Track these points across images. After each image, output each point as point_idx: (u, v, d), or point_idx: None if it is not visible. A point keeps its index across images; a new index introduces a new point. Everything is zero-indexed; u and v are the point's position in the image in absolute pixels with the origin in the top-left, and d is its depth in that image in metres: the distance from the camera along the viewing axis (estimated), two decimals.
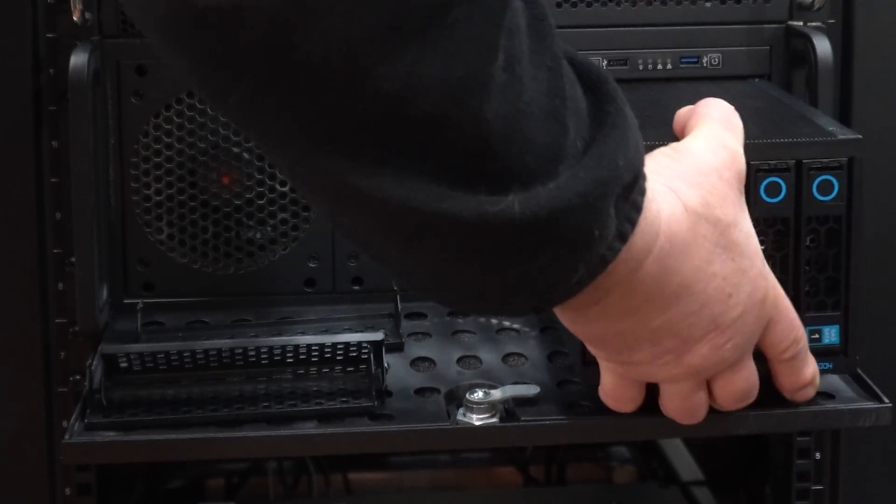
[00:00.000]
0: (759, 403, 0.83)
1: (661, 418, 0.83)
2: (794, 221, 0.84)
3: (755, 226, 0.80)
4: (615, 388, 0.82)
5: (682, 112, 0.83)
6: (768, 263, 0.80)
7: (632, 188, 0.70)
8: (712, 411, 0.82)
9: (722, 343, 0.77)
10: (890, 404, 0.86)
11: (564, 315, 0.76)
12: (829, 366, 0.87)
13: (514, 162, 0.65)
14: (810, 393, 0.84)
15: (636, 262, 0.72)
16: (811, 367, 0.83)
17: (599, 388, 0.83)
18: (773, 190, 0.84)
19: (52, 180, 1.00)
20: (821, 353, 0.85)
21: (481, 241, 0.65)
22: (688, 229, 0.74)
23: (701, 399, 0.80)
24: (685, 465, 1.27)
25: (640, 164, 0.70)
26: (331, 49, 0.61)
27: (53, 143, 1.00)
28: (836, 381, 0.89)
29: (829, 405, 0.86)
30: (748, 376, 0.80)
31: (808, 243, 0.85)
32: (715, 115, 0.81)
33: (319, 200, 0.68)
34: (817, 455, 1.06)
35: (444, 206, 0.64)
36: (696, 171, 0.76)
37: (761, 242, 0.80)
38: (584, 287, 0.70)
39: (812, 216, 0.85)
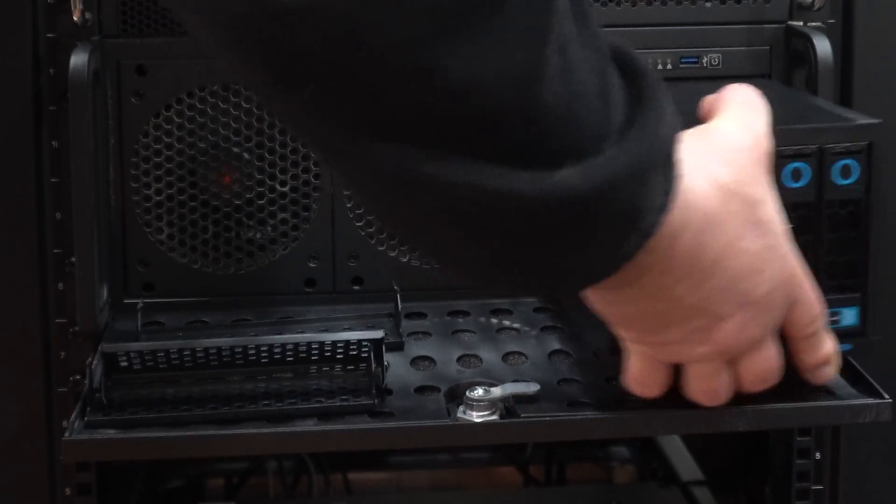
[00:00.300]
0: (757, 399, 0.83)
1: (661, 414, 0.84)
2: (816, 206, 0.86)
3: None
4: (643, 372, 0.83)
5: (708, 99, 0.85)
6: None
7: (669, 161, 0.71)
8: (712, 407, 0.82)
9: (749, 320, 0.78)
10: (890, 400, 0.86)
11: (602, 296, 0.78)
12: (848, 347, 0.87)
13: (571, 140, 0.67)
14: (830, 372, 0.85)
15: (672, 238, 0.73)
16: (830, 344, 0.84)
17: (625, 373, 0.83)
18: (796, 175, 0.86)
19: (52, 180, 1.00)
20: (840, 334, 0.86)
21: (543, 216, 0.67)
22: (719, 205, 0.75)
23: (725, 380, 0.81)
24: (685, 464, 1.27)
25: (678, 134, 0.72)
26: (399, 45, 0.63)
27: (53, 143, 1.00)
28: (836, 378, 0.89)
29: (830, 401, 0.87)
30: (771, 357, 0.81)
31: (829, 227, 0.86)
32: (739, 99, 0.83)
33: (380, 192, 0.69)
34: (817, 455, 1.06)
35: (508, 185, 0.66)
36: (727, 149, 0.78)
37: None
38: (629, 261, 0.72)
39: (833, 200, 0.86)
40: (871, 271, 0.87)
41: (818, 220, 0.86)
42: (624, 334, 0.82)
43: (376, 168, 0.67)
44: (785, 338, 0.83)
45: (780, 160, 0.84)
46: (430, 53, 0.63)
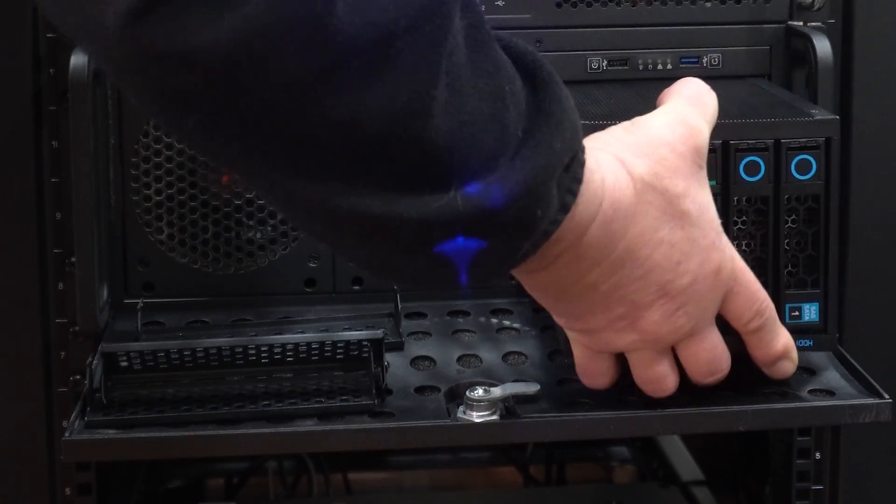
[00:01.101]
0: (757, 399, 0.83)
1: (661, 414, 0.84)
2: (774, 200, 0.88)
3: (735, 204, 0.85)
4: (584, 361, 0.86)
5: (664, 91, 0.86)
6: (749, 242, 0.85)
7: (571, 165, 0.73)
8: (710, 405, 0.83)
9: (673, 310, 0.80)
10: (890, 400, 0.86)
11: (521, 278, 0.80)
12: (809, 343, 0.89)
13: (458, 166, 0.69)
14: (788, 368, 0.86)
15: (581, 229, 0.75)
16: (782, 339, 0.85)
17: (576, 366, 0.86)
18: (752, 169, 0.87)
19: (52, 180, 1.00)
20: (802, 330, 0.88)
21: (427, 236, 0.70)
22: (632, 195, 0.77)
23: (664, 369, 0.83)
24: (685, 464, 1.27)
25: (578, 143, 0.74)
26: (278, 88, 0.65)
27: (53, 143, 1.00)
28: (835, 377, 0.89)
29: (830, 401, 0.87)
30: (712, 347, 0.83)
31: (788, 223, 0.88)
32: (685, 93, 0.84)
33: (276, 207, 0.80)
34: (817, 455, 1.06)
35: (390, 209, 0.68)
36: (647, 143, 0.79)
37: (742, 222, 0.85)
38: (529, 257, 0.74)
39: (791, 195, 0.88)
40: (831, 268, 0.89)
41: (776, 214, 0.88)
42: (557, 321, 0.84)
43: (265, 188, 0.71)
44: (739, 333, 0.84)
45: (737, 153, 0.86)
46: (309, 95, 0.65)
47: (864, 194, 1.04)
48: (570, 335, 0.85)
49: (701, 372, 0.83)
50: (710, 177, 0.84)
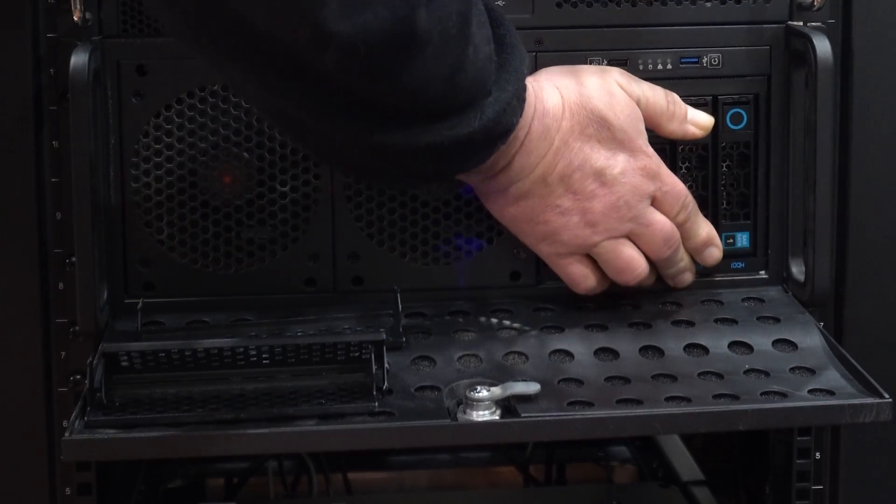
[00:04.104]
0: (757, 399, 0.83)
1: (661, 414, 0.84)
2: (712, 147, 1.04)
3: (681, 151, 1.03)
4: (566, 274, 1.00)
5: None
6: (693, 183, 1.03)
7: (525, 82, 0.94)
8: (710, 405, 0.82)
9: (615, 199, 0.97)
10: (890, 400, 0.86)
11: (491, 202, 0.99)
12: (741, 265, 1.05)
13: (480, 97, 0.89)
14: (715, 253, 1.03)
15: (526, 126, 0.94)
16: (706, 228, 1.03)
17: (571, 287, 1.01)
18: None
19: (53, 180, 1.00)
20: (735, 254, 1.05)
21: (455, 150, 0.89)
22: (560, 99, 0.96)
23: (629, 254, 0.99)
24: (685, 464, 1.27)
25: (527, 62, 0.94)
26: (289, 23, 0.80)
27: (53, 143, 1.00)
28: (835, 377, 0.90)
29: (830, 401, 0.87)
30: (662, 225, 0.99)
31: (723, 167, 1.04)
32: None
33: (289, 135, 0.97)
34: (817, 455, 1.06)
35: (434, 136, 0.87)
36: (571, 70, 0.99)
37: (685, 167, 1.03)
38: (499, 149, 0.93)
39: (726, 143, 1.04)
40: (759, 203, 1.05)
41: (714, 159, 1.04)
42: (535, 249, 1.00)
43: (283, 121, 0.89)
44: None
45: None
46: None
47: (864, 194, 1.04)
48: (545, 257, 1.00)
49: (657, 246, 0.99)
50: None
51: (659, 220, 0.99)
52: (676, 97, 1.01)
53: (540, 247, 1.00)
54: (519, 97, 0.92)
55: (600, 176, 0.96)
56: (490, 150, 0.92)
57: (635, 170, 0.97)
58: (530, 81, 0.95)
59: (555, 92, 0.96)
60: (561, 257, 1.00)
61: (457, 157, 0.90)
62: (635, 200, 0.98)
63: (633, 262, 0.99)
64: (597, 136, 0.96)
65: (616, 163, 0.97)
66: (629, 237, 0.99)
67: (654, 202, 0.99)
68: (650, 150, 0.99)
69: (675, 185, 1.00)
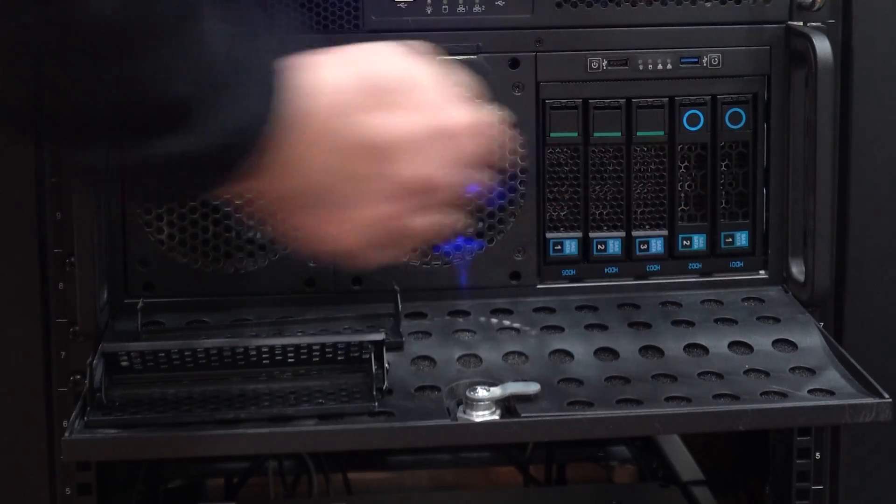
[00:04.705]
0: (757, 399, 0.83)
1: (661, 414, 0.84)
2: (711, 146, 1.04)
3: (680, 151, 1.03)
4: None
5: None
6: (692, 183, 1.02)
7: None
8: (710, 405, 0.82)
9: (408, 160, 0.81)
10: (890, 400, 0.86)
11: (284, 207, 0.84)
12: (740, 264, 1.05)
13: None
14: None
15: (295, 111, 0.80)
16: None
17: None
18: (693, 120, 1.03)
19: (52, 180, 1.00)
20: (734, 253, 1.05)
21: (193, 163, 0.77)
22: (328, 75, 0.82)
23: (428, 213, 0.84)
24: (685, 465, 1.27)
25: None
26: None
27: None
28: (835, 377, 0.90)
29: (830, 401, 0.87)
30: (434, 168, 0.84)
31: (722, 166, 1.04)
32: None
33: None
34: (817, 455, 1.06)
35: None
36: (357, 50, 0.85)
37: (685, 166, 1.03)
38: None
39: (725, 142, 1.04)
40: (758, 202, 1.04)
41: (713, 158, 1.04)
42: (348, 241, 0.84)
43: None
44: None
45: (681, 108, 1.03)
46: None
47: (864, 194, 1.04)
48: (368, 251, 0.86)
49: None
50: (657, 129, 1.03)
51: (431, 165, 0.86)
52: None
53: (338, 239, 0.86)
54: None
55: (372, 144, 0.84)
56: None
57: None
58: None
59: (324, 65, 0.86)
60: (355, 235, 0.86)
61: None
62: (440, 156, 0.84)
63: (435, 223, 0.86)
64: (370, 96, 0.84)
65: (386, 128, 0.83)
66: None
67: None
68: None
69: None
